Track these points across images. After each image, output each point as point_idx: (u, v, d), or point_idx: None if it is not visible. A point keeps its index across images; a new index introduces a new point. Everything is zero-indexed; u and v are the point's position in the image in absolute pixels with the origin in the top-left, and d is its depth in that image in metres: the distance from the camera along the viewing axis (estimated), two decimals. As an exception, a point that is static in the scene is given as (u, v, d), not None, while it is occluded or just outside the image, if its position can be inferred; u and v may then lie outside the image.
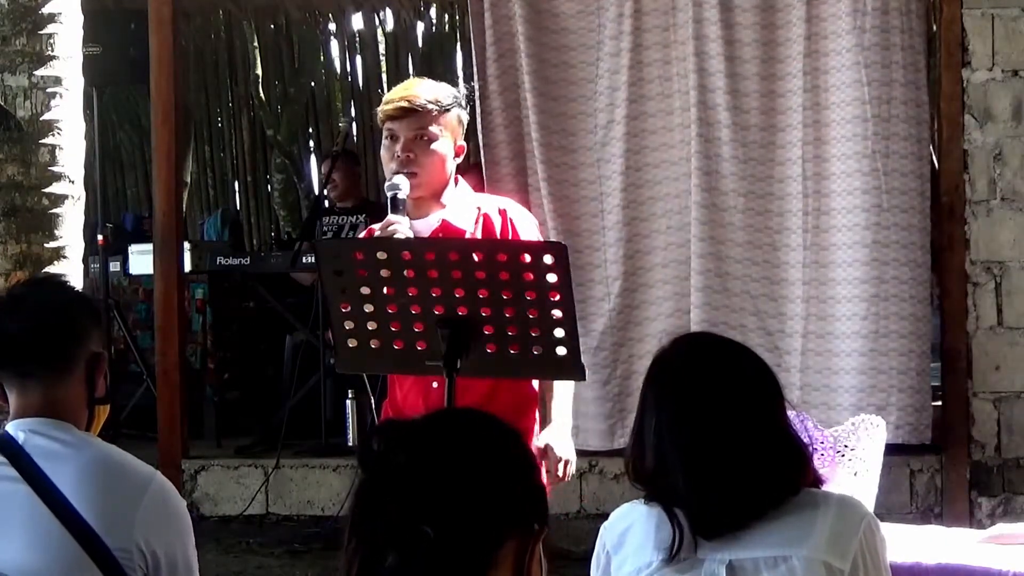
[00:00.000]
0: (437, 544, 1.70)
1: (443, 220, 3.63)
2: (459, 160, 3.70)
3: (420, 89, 3.66)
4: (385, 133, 3.64)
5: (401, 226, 3.46)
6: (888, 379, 6.10)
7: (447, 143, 3.63)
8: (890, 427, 5.99)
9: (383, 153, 3.65)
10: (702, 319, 6.22)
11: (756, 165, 6.27)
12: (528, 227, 3.70)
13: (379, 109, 3.67)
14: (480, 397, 3.45)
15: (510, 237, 3.60)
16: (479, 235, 3.62)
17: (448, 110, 3.63)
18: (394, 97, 3.65)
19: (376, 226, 3.60)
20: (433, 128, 3.59)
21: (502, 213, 3.67)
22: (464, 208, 3.66)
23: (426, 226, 3.62)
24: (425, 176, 3.59)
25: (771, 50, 6.25)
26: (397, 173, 3.57)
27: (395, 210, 3.52)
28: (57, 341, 2.67)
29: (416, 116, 3.59)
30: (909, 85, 6.10)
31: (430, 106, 3.60)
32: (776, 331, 6.25)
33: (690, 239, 6.30)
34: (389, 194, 3.55)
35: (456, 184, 3.70)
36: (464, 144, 3.71)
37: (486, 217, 3.65)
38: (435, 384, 3.51)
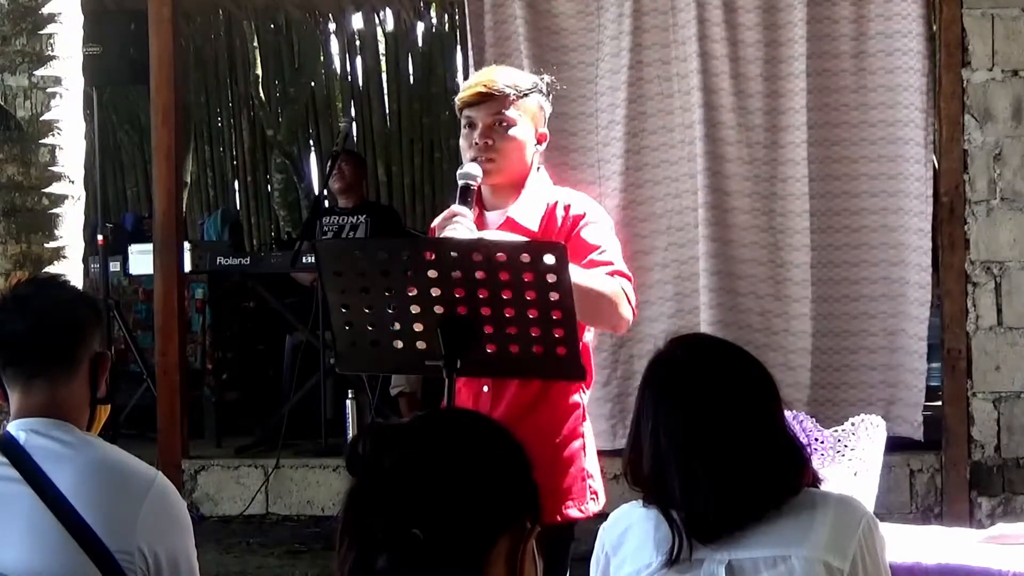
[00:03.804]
0: (428, 546, 1.70)
1: (508, 217, 3.46)
2: (541, 147, 3.54)
3: (498, 74, 3.53)
4: (463, 121, 3.48)
5: (465, 220, 3.28)
6: (881, 375, 6.16)
7: (527, 129, 3.46)
8: (896, 421, 6.04)
9: (461, 142, 3.49)
10: (711, 319, 6.24)
11: (760, 165, 6.29)
12: (594, 222, 3.46)
13: (456, 97, 3.52)
14: (520, 409, 3.36)
15: (567, 235, 3.41)
16: (540, 234, 3.44)
17: (527, 95, 3.48)
18: (472, 83, 3.51)
19: (437, 220, 3.38)
20: (511, 113, 3.44)
21: (566, 209, 3.48)
22: (535, 203, 3.48)
23: (496, 218, 3.47)
24: (504, 162, 3.43)
25: (774, 50, 6.27)
26: (475, 160, 3.42)
27: (463, 201, 3.34)
28: (63, 341, 2.67)
29: (494, 101, 3.43)
30: (910, 89, 6.13)
31: (508, 90, 3.45)
32: (782, 331, 6.27)
33: (691, 240, 6.33)
34: (460, 183, 3.38)
35: (538, 172, 3.53)
36: (546, 131, 3.55)
37: (550, 213, 3.48)
38: (485, 388, 3.40)
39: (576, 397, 3.53)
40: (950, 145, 6.11)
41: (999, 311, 6.10)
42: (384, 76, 10.61)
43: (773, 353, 6.18)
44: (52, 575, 2.53)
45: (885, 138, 6.20)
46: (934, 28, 6.29)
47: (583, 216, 3.47)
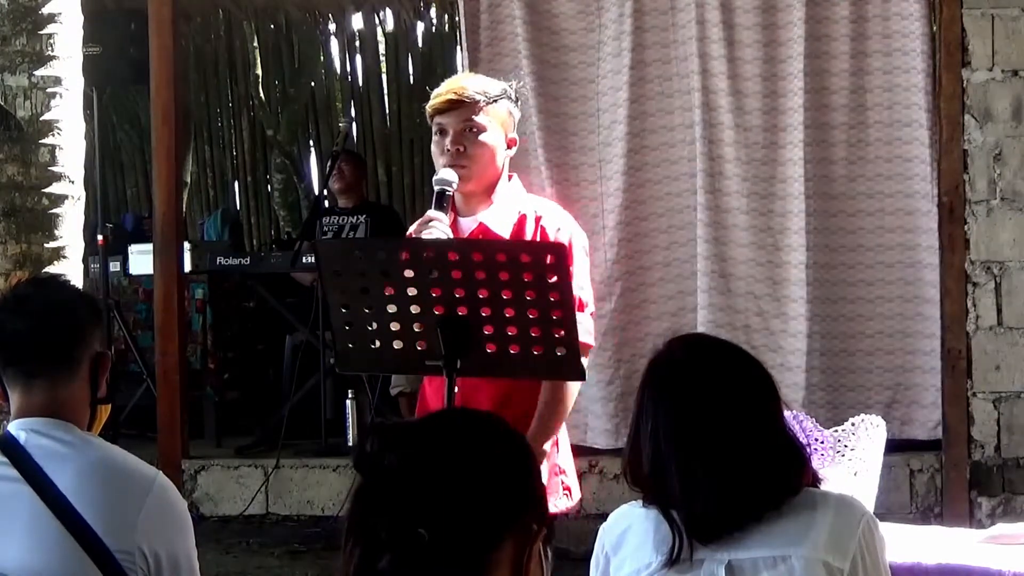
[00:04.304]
0: (432, 546, 1.70)
1: (480, 223, 3.53)
2: (511, 152, 3.60)
3: (467, 81, 3.60)
4: (434, 128, 3.54)
5: (441, 224, 3.35)
6: (878, 378, 6.15)
7: (497, 134, 3.52)
8: (895, 423, 6.04)
9: (433, 148, 3.55)
10: (707, 319, 6.25)
11: (759, 166, 6.30)
12: (561, 236, 3.52)
13: (427, 105, 3.57)
14: (492, 403, 3.40)
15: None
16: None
17: (496, 101, 3.53)
18: (442, 91, 3.56)
19: (414, 226, 3.48)
20: (481, 119, 3.49)
21: (537, 219, 3.54)
22: (507, 210, 3.55)
23: (468, 225, 3.53)
24: (476, 168, 3.49)
25: (773, 50, 6.28)
26: (448, 167, 3.48)
27: (439, 206, 3.39)
28: (64, 340, 2.67)
29: (464, 108, 3.49)
30: (911, 89, 6.13)
31: (478, 97, 3.50)
32: (779, 331, 6.28)
33: (693, 239, 6.34)
34: (436, 188, 3.44)
35: (509, 180, 3.59)
36: (516, 137, 3.60)
37: (521, 222, 3.54)
38: (457, 389, 3.42)
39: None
40: (950, 145, 6.10)
41: (999, 311, 6.09)
42: (384, 76, 10.61)
43: (772, 353, 6.19)
44: (52, 575, 2.53)
45: (882, 139, 6.20)
46: (934, 28, 6.29)
47: (553, 226, 3.51)
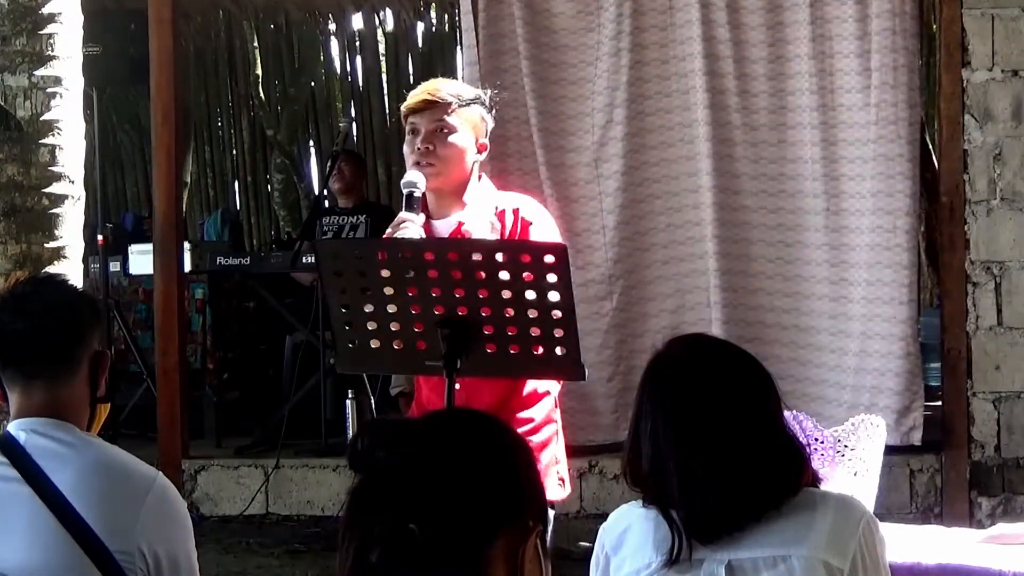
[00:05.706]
0: (424, 542, 1.70)
1: (459, 223, 3.59)
2: (481, 157, 3.67)
3: (442, 84, 3.69)
4: (407, 128, 3.63)
5: (413, 225, 3.43)
6: (873, 380, 6.15)
7: (468, 137, 3.61)
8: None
9: (405, 148, 3.64)
10: (719, 317, 6.25)
11: (767, 164, 6.30)
12: (541, 227, 3.63)
13: (402, 105, 3.67)
14: (495, 400, 3.44)
15: (517, 237, 3.56)
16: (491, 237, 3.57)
17: (469, 105, 3.62)
18: (417, 92, 3.66)
19: (388, 231, 3.54)
20: (453, 120, 3.58)
21: (515, 212, 3.63)
22: (482, 209, 3.62)
23: (445, 227, 3.59)
24: (444, 168, 3.57)
25: (779, 49, 6.28)
26: (416, 165, 3.56)
27: (409, 208, 3.48)
28: (63, 340, 2.66)
29: (437, 108, 3.58)
30: (900, 87, 6.12)
31: (451, 99, 3.60)
32: (791, 326, 6.29)
33: (691, 237, 6.37)
34: (405, 191, 3.52)
35: (479, 181, 3.67)
36: (486, 142, 3.69)
37: (499, 216, 3.62)
38: (457, 385, 3.47)
39: (547, 386, 3.62)
40: (950, 145, 6.10)
41: (999, 311, 6.09)
42: (384, 76, 10.62)
43: (784, 348, 6.21)
44: (52, 574, 2.53)
45: (860, 139, 6.17)
46: (934, 27, 6.28)
47: (531, 223, 3.63)
